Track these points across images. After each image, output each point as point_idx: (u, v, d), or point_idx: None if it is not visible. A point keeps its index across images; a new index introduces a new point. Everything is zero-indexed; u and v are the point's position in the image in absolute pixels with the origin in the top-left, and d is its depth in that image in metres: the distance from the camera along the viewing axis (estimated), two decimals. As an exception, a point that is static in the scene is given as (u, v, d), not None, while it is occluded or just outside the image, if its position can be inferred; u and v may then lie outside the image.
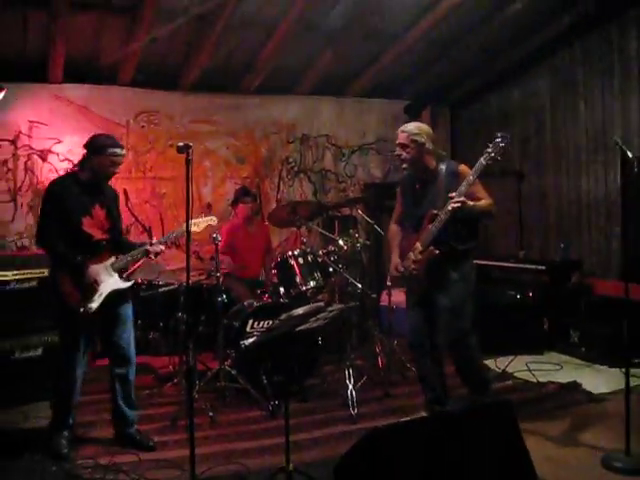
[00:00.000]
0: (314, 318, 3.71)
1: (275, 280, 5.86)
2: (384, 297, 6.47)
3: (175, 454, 4.23)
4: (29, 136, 6.90)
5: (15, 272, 5.54)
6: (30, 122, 6.87)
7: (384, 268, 7.48)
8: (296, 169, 8.45)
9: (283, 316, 3.61)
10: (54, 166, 7.00)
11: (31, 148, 6.91)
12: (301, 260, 5.70)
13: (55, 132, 6.89)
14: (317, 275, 5.67)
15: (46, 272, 5.46)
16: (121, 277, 4.36)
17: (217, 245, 5.37)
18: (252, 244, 6.67)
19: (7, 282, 5.48)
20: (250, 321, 5.39)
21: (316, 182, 8.57)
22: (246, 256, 6.56)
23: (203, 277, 5.87)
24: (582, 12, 6.77)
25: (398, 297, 7.03)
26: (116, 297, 4.34)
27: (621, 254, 6.72)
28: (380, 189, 8.62)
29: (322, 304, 3.85)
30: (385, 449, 3.28)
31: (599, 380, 5.63)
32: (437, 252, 4.37)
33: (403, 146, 4.51)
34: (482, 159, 4.23)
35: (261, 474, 3.83)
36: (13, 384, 5.32)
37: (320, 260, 5.73)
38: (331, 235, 6.23)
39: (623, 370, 5.16)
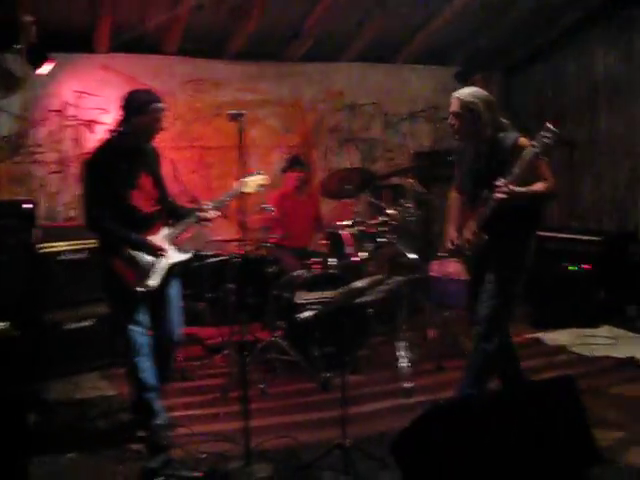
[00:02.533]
0: (373, 290, 3.61)
1: (325, 250, 5.79)
2: (434, 267, 6.35)
3: (226, 427, 4.22)
4: (76, 106, 6.82)
5: (65, 243, 5.55)
6: (77, 92, 6.80)
7: (435, 238, 7.36)
8: (344, 138, 8.31)
9: (342, 289, 3.52)
10: (101, 136, 6.95)
11: (78, 119, 6.83)
12: (352, 230, 5.61)
13: (102, 102, 6.82)
14: (368, 246, 5.58)
15: (96, 243, 5.49)
16: (178, 248, 4.07)
17: (267, 215, 5.29)
18: (301, 213, 6.58)
19: (58, 253, 5.49)
20: (300, 292, 5.32)
21: (364, 151, 8.40)
22: (295, 225, 6.46)
23: (252, 247, 5.81)
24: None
25: (449, 267, 6.92)
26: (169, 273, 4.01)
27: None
28: (430, 158, 8.45)
29: (382, 276, 3.75)
30: (444, 426, 3.19)
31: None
32: (485, 237, 4.04)
33: (457, 115, 4.04)
34: (527, 155, 3.75)
35: (314, 449, 3.77)
36: (65, 355, 5.35)
37: (371, 231, 5.62)
38: (381, 205, 6.11)
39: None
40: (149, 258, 3.89)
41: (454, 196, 4.48)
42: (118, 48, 6.89)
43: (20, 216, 5.28)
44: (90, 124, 6.79)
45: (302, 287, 5.30)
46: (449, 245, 4.33)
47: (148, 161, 4.05)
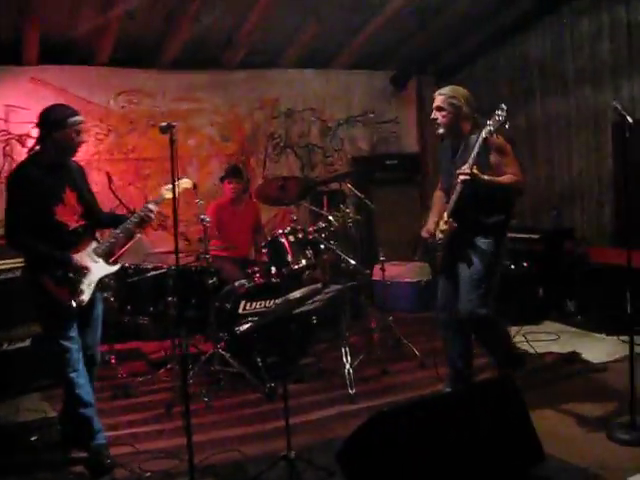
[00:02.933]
0: (311, 300, 3.60)
1: (266, 259, 5.76)
2: (377, 272, 6.37)
3: (172, 443, 4.15)
4: (6, 121, 6.70)
5: (-3, 262, 5.40)
6: (7, 106, 6.67)
7: (376, 242, 7.39)
8: (282, 144, 8.30)
9: (279, 300, 3.51)
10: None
11: (9, 133, 6.72)
12: (292, 238, 5.59)
13: (33, 116, 6.59)
14: (309, 253, 5.56)
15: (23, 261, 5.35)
16: (107, 262, 4.02)
17: (205, 226, 5.25)
18: (240, 223, 6.54)
19: (-11, 272, 5.34)
20: (242, 302, 5.29)
21: (303, 157, 8.42)
22: (234, 235, 6.41)
23: (192, 259, 5.75)
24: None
25: (392, 271, 6.95)
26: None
27: (614, 221, 6.68)
28: (368, 162, 8.54)
29: (319, 286, 3.74)
30: (389, 431, 3.21)
31: (598, 349, 5.58)
32: (455, 225, 4.32)
33: (439, 109, 4.39)
34: (483, 132, 4.07)
35: (261, 461, 3.73)
36: (2, 376, 5.20)
37: (311, 237, 5.61)
38: (321, 211, 6.12)
39: (621, 338, 5.13)
40: (78, 272, 3.85)
41: (437, 194, 4.80)
42: (48, 60, 6.76)
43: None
44: (21, 138, 6.67)
45: (243, 297, 5.27)
46: (424, 234, 4.62)
47: (72, 176, 4.01)
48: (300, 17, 7.16)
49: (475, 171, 4.08)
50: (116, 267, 4.12)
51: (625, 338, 4.86)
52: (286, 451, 3.57)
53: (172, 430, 4.37)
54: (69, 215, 3.91)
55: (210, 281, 5.32)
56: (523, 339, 5.84)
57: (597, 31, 6.80)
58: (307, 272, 5.74)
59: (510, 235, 6.83)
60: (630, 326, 4.17)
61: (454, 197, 4.26)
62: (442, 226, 4.44)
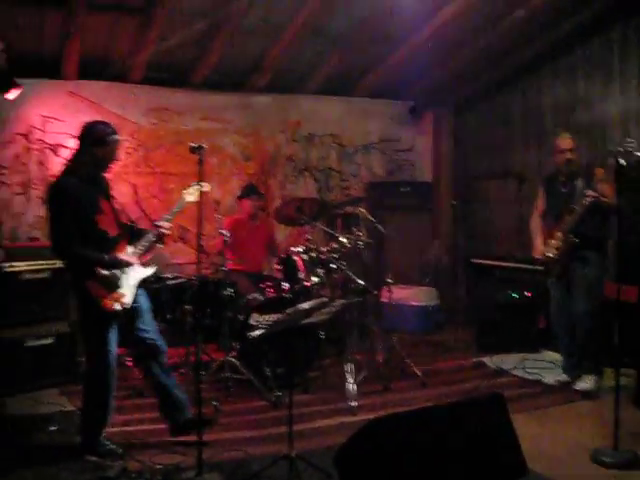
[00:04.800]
0: (318, 312, 3.89)
1: (279, 275, 6.04)
2: (384, 293, 6.62)
3: (181, 440, 4.39)
4: (42, 130, 7.05)
5: (27, 263, 5.71)
6: (43, 117, 7.02)
7: (385, 265, 7.65)
8: (301, 167, 8.62)
9: (289, 310, 3.79)
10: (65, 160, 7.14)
11: (44, 142, 7.05)
12: (305, 256, 5.87)
13: (68, 127, 7.01)
14: (320, 271, 5.84)
15: (58, 263, 5.68)
16: (142, 265, 4.25)
17: (225, 240, 5.55)
18: (255, 239, 6.83)
19: (20, 272, 5.65)
20: (254, 315, 5.56)
21: (320, 180, 8.73)
22: (249, 250, 6.71)
23: (209, 271, 6.05)
24: (581, 19, 6.89)
25: (399, 294, 7.21)
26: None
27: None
28: (383, 188, 8.81)
29: (326, 299, 4.04)
30: (384, 438, 3.44)
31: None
32: (576, 240, 5.29)
33: (571, 150, 5.48)
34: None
35: (264, 460, 3.98)
36: (24, 371, 5.51)
37: (323, 257, 5.89)
38: (334, 233, 6.39)
39: (612, 370, 5.36)
40: (120, 277, 4.07)
41: (537, 220, 5.89)
42: (85, 75, 7.12)
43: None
44: (55, 148, 7.01)
45: (256, 310, 5.55)
46: (539, 255, 5.68)
47: (103, 187, 4.27)
48: (324, 46, 7.45)
49: (598, 195, 5.10)
50: (153, 269, 4.34)
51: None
52: (288, 451, 3.82)
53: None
54: (109, 223, 4.16)
55: (225, 292, 5.61)
56: (521, 366, 6.09)
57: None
58: (317, 290, 6.00)
59: (514, 265, 7.20)
60: (616, 358, 4.45)
61: (575, 218, 5.26)
62: (554, 244, 5.47)
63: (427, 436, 3.51)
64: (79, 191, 4.03)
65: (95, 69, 7.05)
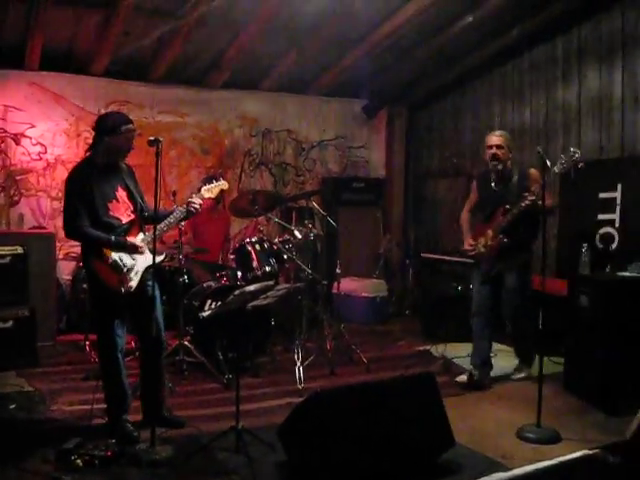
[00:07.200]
0: (264, 295, 4.18)
1: (233, 265, 6.30)
2: (337, 284, 6.89)
3: (135, 418, 4.57)
4: (3, 119, 7.19)
5: (-13, 249, 5.88)
6: (5, 106, 7.17)
7: (336, 257, 7.93)
8: (257, 161, 8.89)
9: (237, 292, 4.06)
10: (26, 149, 7.33)
11: (5, 131, 7.20)
12: (258, 247, 6.15)
13: (29, 117, 7.19)
14: (272, 261, 6.13)
15: (18, 249, 5.86)
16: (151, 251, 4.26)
17: (180, 230, 5.78)
18: (213, 230, 7.09)
19: (-20, 259, 5.81)
20: (208, 301, 5.79)
21: (276, 174, 9.01)
22: (207, 240, 6.97)
23: (166, 260, 6.26)
24: (528, 27, 7.24)
25: (348, 285, 7.51)
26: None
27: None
28: (337, 183, 9.12)
29: (271, 283, 4.32)
30: (322, 410, 3.73)
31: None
32: (506, 240, 5.32)
33: (499, 147, 5.41)
34: (555, 168, 4.81)
35: (213, 434, 4.22)
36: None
37: (276, 247, 6.17)
38: (287, 225, 6.66)
39: (552, 359, 5.79)
40: (128, 261, 4.25)
41: (466, 215, 5.95)
42: (48, 67, 7.26)
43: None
44: (17, 137, 7.15)
45: (210, 297, 5.79)
46: (468, 248, 5.70)
47: (122, 176, 4.42)
48: (282, 46, 7.71)
49: (534, 198, 5.03)
50: (161, 257, 4.51)
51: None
52: (235, 423, 4.09)
53: (136, 409, 4.81)
54: (122, 210, 4.33)
55: (181, 280, 5.86)
56: (465, 354, 6.41)
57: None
58: (269, 279, 6.26)
59: (459, 259, 7.53)
60: (541, 345, 4.96)
61: (509, 218, 5.26)
62: (484, 241, 5.50)
63: (361, 409, 3.81)
64: (92, 179, 4.21)
65: (58, 61, 7.21)
